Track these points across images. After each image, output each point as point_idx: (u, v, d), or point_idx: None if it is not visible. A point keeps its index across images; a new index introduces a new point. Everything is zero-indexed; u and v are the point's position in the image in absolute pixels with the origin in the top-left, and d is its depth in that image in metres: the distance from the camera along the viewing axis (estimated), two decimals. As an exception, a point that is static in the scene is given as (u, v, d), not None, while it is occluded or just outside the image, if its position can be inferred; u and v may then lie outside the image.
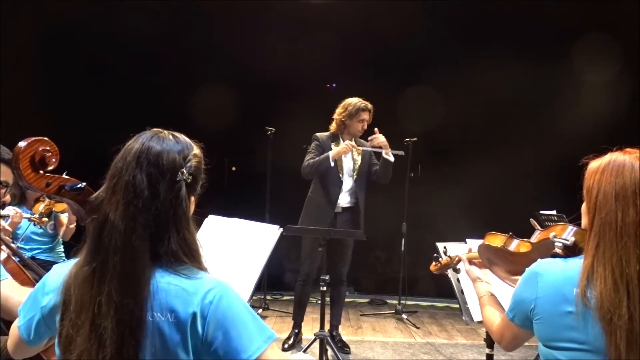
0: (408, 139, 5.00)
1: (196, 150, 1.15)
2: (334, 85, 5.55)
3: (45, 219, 3.39)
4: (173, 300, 1.03)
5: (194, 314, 1.03)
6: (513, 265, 1.67)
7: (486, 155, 5.08)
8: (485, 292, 1.70)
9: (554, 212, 3.66)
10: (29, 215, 3.33)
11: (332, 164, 3.73)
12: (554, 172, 4.83)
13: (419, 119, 5.22)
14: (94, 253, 1.05)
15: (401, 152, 3.90)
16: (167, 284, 1.04)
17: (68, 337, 1.05)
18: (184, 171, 1.09)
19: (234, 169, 5.95)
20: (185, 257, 1.08)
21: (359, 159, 3.88)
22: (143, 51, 5.19)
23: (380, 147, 3.77)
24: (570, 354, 1.21)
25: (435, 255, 2.13)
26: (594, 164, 1.27)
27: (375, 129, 3.78)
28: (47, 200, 3.44)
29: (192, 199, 1.15)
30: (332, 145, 3.86)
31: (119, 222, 1.03)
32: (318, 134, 3.93)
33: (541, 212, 3.77)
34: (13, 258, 1.99)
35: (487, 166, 4.99)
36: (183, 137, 1.15)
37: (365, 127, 3.85)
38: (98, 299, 1.02)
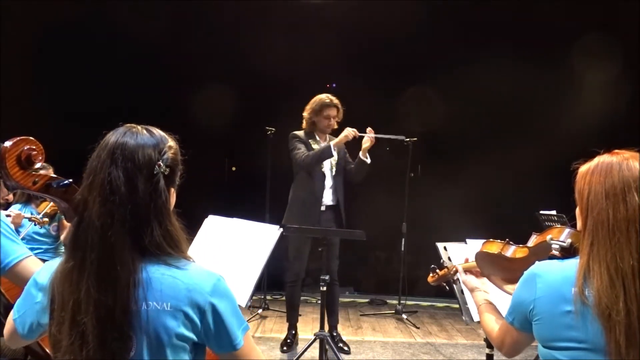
0: (408, 139, 5.00)
1: (171, 142, 1.16)
2: (334, 85, 5.55)
3: (46, 219, 3.40)
4: (168, 290, 1.05)
5: (189, 304, 1.05)
6: (510, 272, 1.68)
7: (486, 155, 5.07)
8: (483, 301, 1.71)
9: (554, 212, 3.66)
10: (29, 216, 3.34)
11: (335, 154, 3.68)
12: (554, 172, 4.80)
13: (419, 119, 5.22)
14: (72, 251, 1.07)
15: (402, 137, 3.89)
16: (161, 275, 1.06)
17: (55, 336, 1.06)
18: (161, 164, 1.09)
19: (233, 169, 5.95)
20: (170, 249, 1.09)
21: (335, 154, 3.81)
22: (143, 51, 5.20)
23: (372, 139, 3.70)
24: (570, 353, 1.22)
25: (432, 266, 2.13)
26: (584, 168, 1.31)
27: (369, 129, 3.71)
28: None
29: (172, 190, 1.16)
30: (311, 142, 3.82)
31: (95, 219, 1.04)
32: (296, 132, 3.88)
33: (541, 212, 3.77)
34: None
35: (487, 166, 4.99)
36: (157, 131, 1.15)
37: (334, 123, 3.80)
38: (77, 296, 1.03)
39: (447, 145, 5.48)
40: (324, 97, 3.80)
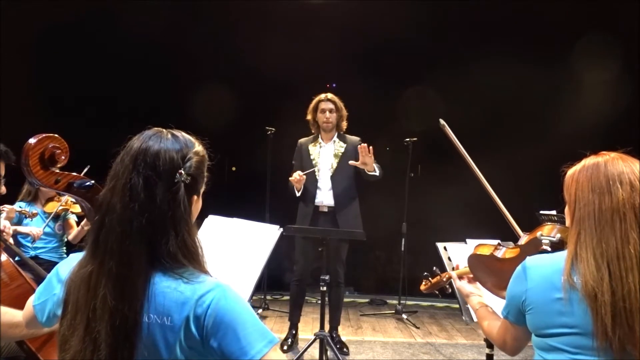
0: (408, 139, 5.00)
1: (197, 147, 1.14)
2: (334, 85, 5.55)
3: (35, 211, 3.45)
4: (170, 304, 1.02)
5: (189, 318, 1.02)
6: (502, 274, 1.68)
7: (486, 155, 5.04)
8: (480, 305, 1.74)
9: (553, 212, 3.66)
10: (19, 209, 3.38)
11: (298, 194, 3.81)
12: (554, 172, 4.81)
13: (419, 119, 5.22)
14: (91, 255, 1.05)
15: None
16: (167, 287, 1.03)
17: (64, 337, 1.05)
18: (182, 172, 1.07)
19: (233, 169, 5.95)
20: (185, 259, 1.06)
21: (340, 154, 3.86)
22: (143, 51, 5.20)
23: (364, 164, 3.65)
24: (562, 339, 1.27)
25: (425, 274, 2.14)
26: (572, 169, 1.39)
27: (365, 147, 3.58)
28: (63, 200, 3.51)
29: (195, 197, 1.14)
30: (310, 147, 3.94)
31: (115, 225, 1.03)
32: (300, 140, 4.03)
33: (541, 212, 3.77)
34: (11, 260, 2.01)
35: (487, 166, 4.96)
36: (184, 136, 1.13)
37: (330, 116, 3.85)
38: (93, 303, 1.01)
39: (447, 145, 5.46)
40: (321, 95, 3.94)
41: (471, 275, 1.85)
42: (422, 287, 2.14)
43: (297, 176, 3.71)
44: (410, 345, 4.18)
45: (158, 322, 1.02)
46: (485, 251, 1.74)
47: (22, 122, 4.23)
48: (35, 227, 3.46)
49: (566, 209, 1.39)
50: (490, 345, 2.25)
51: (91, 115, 5.21)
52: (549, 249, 1.45)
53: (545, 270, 1.32)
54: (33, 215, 3.42)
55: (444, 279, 2.04)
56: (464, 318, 2.25)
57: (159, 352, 1.02)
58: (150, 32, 4.89)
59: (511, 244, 1.84)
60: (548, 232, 1.50)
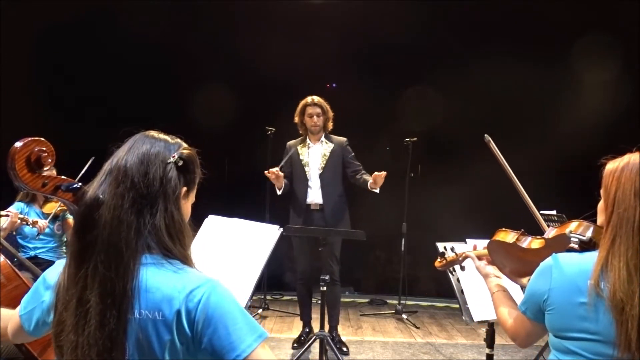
0: (408, 139, 5.00)
1: (187, 146, 1.20)
2: (334, 85, 5.55)
3: (37, 219, 3.47)
4: (160, 298, 1.04)
5: (180, 312, 1.03)
6: (523, 263, 1.66)
7: (486, 155, 5.04)
8: (498, 288, 1.68)
9: (554, 212, 3.66)
10: (22, 216, 3.40)
11: (279, 192, 3.84)
12: (554, 172, 4.82)
13: (419, 119, 5.22)
14: (83, 231, 1.07)
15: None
16: (156, 282, 1.05)
17: (60, 319, 1.06)
18: (175, 155, 1.13)
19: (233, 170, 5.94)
20: (169, 238, 1.08)
21: (328, 153, 3.92)
22: (143, 51, 5.19)
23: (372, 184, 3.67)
24: (582, 344, 1.23)
25: (441, 251, 2.11)
26: (613, 164, 1.29)
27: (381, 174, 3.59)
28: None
29: (185, 190, 1.16)
30: (299, 148, 3.98)
31: (109, 199, 1.06)
32: (289, 142, 4.07)
33: (541, 212, 3.77)
34: (8, 261, 2.02)
35: (487, 166, 4.96)
36: (175, 138, 1.20)
37: (317, 121, 3.88)
38: (85, 273, 1.04)
39: (447, 145, 5.48)
40: (307, 98, 3.96)
41: (489, 258, 1.82)
42: (437, 264, 2.11)
43: (274, 171, 3.67)
44: (410, 345, 4.18)
45: (150, 317, 1.03)
46: (508, 238, 1.70)
47: (22, 122, 4.24)
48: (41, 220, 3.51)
49: (600, 205, 1.32)
50: (490, 345, 2.26)
51: (91, 115, 5.21)
52: (577, 247, 1.36)
53: (572, 271, 1.27)
54: (34, 224, 3.44)
55: (460, 258, 2.01)
56: (464, 318, 2.25)
57: (153, 350, 1.03)
58: (150, 32, 4.89)
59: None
60: (577, 229, 1.40)
